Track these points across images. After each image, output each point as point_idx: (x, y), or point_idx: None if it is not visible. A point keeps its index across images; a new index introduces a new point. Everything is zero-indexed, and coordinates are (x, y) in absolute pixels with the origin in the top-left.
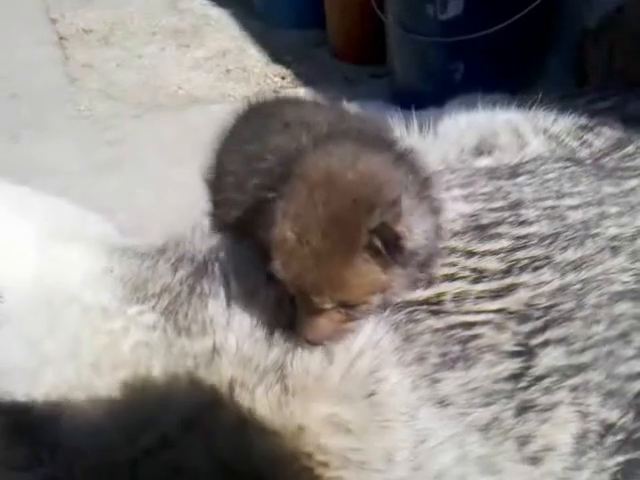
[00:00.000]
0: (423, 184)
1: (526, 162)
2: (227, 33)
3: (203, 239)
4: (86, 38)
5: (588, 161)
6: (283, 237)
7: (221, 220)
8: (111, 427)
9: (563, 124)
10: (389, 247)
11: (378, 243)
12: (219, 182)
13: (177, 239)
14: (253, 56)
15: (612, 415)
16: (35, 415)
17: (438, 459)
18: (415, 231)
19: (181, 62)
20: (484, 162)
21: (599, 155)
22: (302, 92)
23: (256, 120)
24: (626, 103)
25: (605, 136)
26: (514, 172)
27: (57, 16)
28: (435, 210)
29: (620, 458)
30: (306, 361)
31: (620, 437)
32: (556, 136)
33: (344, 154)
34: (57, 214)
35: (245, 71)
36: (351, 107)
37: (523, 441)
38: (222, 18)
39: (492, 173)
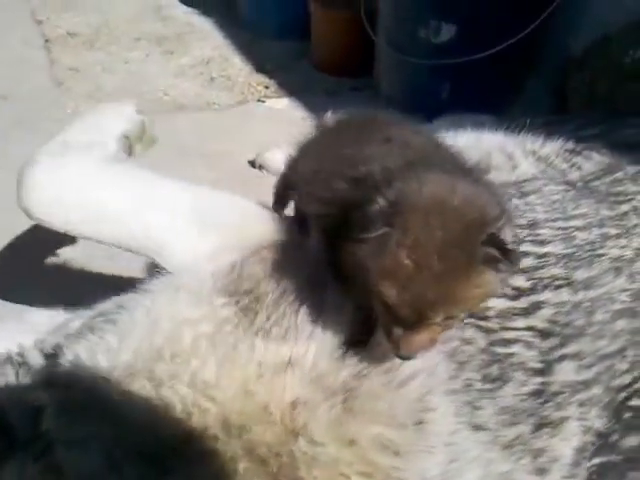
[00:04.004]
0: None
1: (526, 180)
2: (210, 41)
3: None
4: (71, 41)
5: (579, 184)
6: (399, 264)
7: (299, 210)
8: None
9: (551, 147)
10: (502, 253)
11: (494, 252)
12: (309, 176)
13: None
14: (236, 65)
15: (602, 424)
16: (101, 392)
17: (464, 476)
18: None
19: (166, 69)
20: None
21: (589, 178)
22: (285, 101)
23: (359, 128)
24: (612, 130)
25: (595, 160)
26: (523, 192)
27: (43, 18)
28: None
29: (597, 460)
30: (373, 384)
31: (601, 442)
32: (545, 158)
33: (445, 183)
34: (219, 208)
35: (229, 80)
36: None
37: (536, 454)
38: (205, 26)
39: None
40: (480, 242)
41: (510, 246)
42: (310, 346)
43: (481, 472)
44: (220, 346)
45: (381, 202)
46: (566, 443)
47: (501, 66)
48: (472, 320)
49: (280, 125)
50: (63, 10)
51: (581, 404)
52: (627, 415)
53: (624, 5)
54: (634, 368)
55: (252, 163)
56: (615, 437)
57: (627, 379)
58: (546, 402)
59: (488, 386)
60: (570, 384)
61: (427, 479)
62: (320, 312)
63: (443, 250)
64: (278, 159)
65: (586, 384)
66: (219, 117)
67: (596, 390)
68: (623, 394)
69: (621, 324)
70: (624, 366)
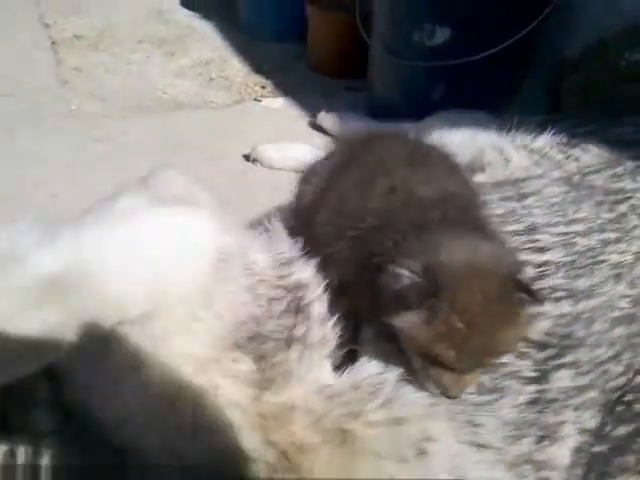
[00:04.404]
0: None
1: (525, 180)
2: (210, 44)
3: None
4: (77, 43)
5: (577, 177)
6: (454, 329)
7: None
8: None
9: (544, 140)
10: (529, 294)
11: (524, 295)
12: (329, 216)
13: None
14: (235, 66)
15: (596, 422)
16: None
17: None
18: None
19: (166, 69)
20: (478, 179)
21: (587, 171)
22: (281, 101)
23: (362, 167)
24: (608, 128)
25: (593, 153)
26: (522, 194)
27: (50, 22)
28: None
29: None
30: (369, 421)
31: (594, 438)
32: (538, 150)
33: (468, 248)
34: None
35: (227, 80)
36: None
37: (539, 467)
38: (206, 29)
39: (500, 193)
40: (513, 289)
41: (533, 288)
42: (309, 388)
43: None
44: (240, 408)
45: (408, 275)
46: (564, 447)
47: (496, 68)
48: None
49: (275, 123)
50: (70, 14)
51: (576, 408)
52: (619, 408)
53: (620, 9)
54: (629, 370)
55: (246, 157)
56: (606, 429)
57: (622, 381)
58: (544, 410)
59: (485, 398)
60: (565, 390)
61: None
62: (312, 348)
63: (487, 307)
64: (270, 153)
65: (581, 389)
66: (216, 115)
67: (592, 394)
68: (617, 393)
69: (619, 331)
70: (619, 369)
